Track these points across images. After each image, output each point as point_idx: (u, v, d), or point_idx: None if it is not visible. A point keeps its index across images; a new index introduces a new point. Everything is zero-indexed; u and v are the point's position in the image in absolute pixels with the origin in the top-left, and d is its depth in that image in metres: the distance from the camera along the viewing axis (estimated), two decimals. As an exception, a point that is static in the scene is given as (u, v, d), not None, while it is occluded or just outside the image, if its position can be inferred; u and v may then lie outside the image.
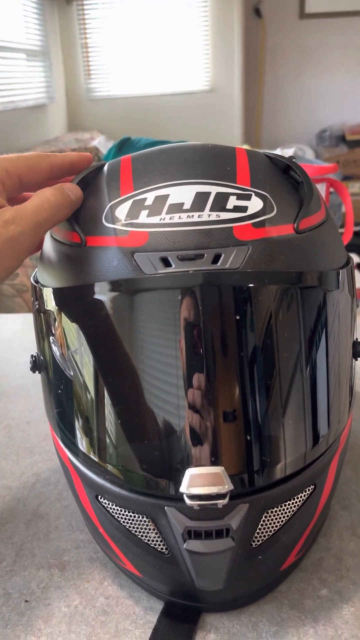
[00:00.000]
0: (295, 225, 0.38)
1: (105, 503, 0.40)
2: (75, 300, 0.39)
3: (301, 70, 3.76)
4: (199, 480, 0.35)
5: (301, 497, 0.39)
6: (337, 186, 1.12)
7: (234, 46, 3.53)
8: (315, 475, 0.39)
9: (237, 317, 0.36)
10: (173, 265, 0.36)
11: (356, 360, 0.45)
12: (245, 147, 0.47)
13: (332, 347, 0.40)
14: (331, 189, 1.16)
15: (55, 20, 3.54)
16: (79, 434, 0.40)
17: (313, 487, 0.40)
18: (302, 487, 0.39)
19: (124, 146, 2.03)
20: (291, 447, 0.37)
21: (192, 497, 0.35)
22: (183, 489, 0.35)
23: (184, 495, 0.35)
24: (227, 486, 0.35)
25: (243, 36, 3.51)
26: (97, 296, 0.37)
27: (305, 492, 0.39)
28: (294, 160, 0.44)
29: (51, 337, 0.41)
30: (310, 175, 0.42)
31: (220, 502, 0.35)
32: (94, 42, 3.63)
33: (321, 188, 1.14)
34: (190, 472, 0.35)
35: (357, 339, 0.45)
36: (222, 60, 3.59)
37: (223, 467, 0.35)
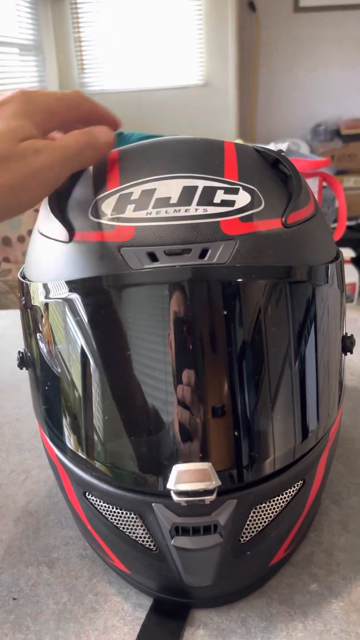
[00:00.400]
0: (283, 219, 0.38)
1: (93, 500, 0.39)
2: (61, 296, 0.38)
3: (296, 64, 3.74)
4: (186, 477, 0.35)
5: (290, 492, 0.39)
6: (330, 180, 1.11)
7: (228, 40, 3.51)
8: (304, 471, 0.39)
9: (226, 312, 0.35)
10: (160, 260, 0.35)
11: (345, 354, 0.45)
12: (239, 141, 0.47)
13: (321, 341, 0.39)
14: (324, 183, 1.16)
15: (49, 14, 3.51)
16: (66, 430, 0.39)
17: (302, 482, 0.40)
18: (290, 483, 0.39)
19: (117, 140, 2.02)
20: (280, 442, 0.37)
21: (179, 493, 0.34)
22: (170, 485, 0.34)
23: (171, 492, 0.35)
24: (214, 482, 0.34)
25: (237, 30, 3.49)
26: (83, 292, 0.36)
27: (294, 487, 0.39)
28: (283, 154, 0.43)
29: (38, 334, 0.41)
30: (302, 169, 0.42)
31: (208, 498, 0.35)
32: (87, 36, 3.60)
33: (314, 182, 1.13)
34: (177, 469, 0.35)
35: (346, 333, 0.45)
36: (216, 55, 3.57)
37: (211, 463, 0.35)
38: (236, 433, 0.36)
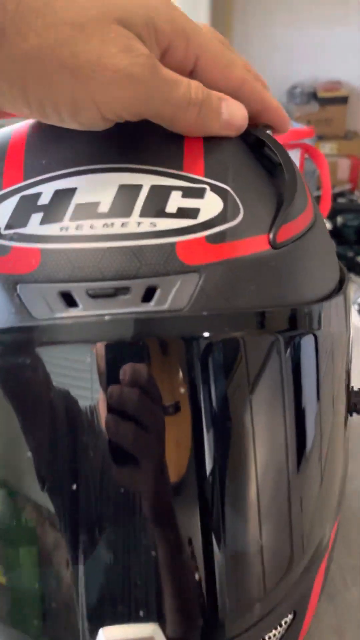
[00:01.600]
0: (271, 235, 0.25)
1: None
2: None
3: (272, 21, 3.56)
4: (119, 649, 0.22)
5: (274, 635, 0.27)
6: (313, 153, 0.98)
7: (201, -9, 3.29)
8: (294, 602, 0.27)
9: (187, 390, 0.23)
10: (80, 306, 0.22)
11: (351, 415, 0.33)
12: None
13: (324, 419, 0.27)
14: (306, 155, 1.03)
15: None
16: None
17: (292, 615, 0.28)
18: (274, 623, 0.27)
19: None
20: (260, 580, 0.25)
21: (109, 675, 0.22)
22: (94, 662, 0.22)
23: (96, 672, 0.22)
24: (162, 657, 0.22)
25: (210, -19, 3.27)
26: None
27: (281, 626, 0.27)
28: (268, 132, 0.30)
29: None
30: (283, 140, 0.29)
31: None
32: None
33: (295, 155, 1.00)
34: (105, 634, 0.23)
35: (352, 387, 0.33)
36: (188, 9, 3.29)
37: (157, 624, 0.23)
38: (197, 575, 0.24)
